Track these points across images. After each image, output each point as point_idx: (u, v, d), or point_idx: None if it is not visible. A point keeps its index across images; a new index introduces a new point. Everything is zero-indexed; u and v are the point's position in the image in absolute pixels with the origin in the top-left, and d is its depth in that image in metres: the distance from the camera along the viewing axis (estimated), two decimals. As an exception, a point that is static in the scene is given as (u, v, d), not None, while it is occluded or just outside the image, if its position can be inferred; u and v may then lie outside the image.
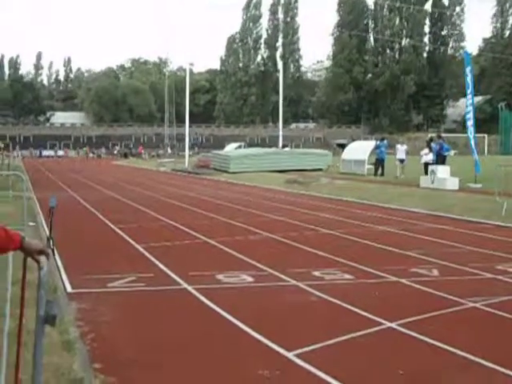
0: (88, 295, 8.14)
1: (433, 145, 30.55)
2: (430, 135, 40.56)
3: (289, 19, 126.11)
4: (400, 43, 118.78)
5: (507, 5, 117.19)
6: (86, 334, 6.42)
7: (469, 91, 28.48)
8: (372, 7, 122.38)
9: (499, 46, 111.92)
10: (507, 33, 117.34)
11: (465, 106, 29.24)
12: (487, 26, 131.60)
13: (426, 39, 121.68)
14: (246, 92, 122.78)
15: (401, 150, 35.00)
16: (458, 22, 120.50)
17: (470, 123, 28.19)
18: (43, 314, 2.86)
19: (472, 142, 28.36)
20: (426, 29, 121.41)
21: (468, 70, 28.67)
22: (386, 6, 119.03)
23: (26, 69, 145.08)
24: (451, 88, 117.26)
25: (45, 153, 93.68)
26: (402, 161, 34.27)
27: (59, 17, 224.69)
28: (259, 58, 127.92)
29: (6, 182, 22.09)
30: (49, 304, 2.89)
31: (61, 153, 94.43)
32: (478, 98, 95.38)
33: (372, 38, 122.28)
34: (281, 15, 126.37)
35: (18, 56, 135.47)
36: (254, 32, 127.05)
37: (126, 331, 6.75)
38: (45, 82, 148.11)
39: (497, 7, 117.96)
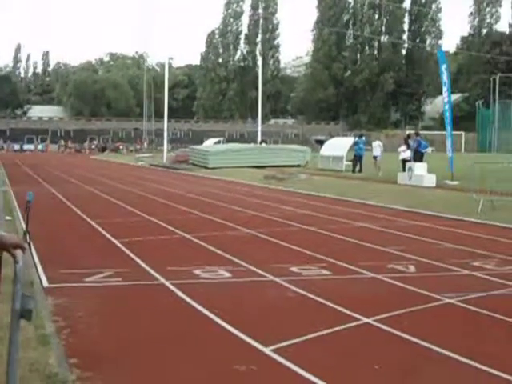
0: (65, 290, 8.09)
1: (410, 142, 30.70)
2: (407, 132, 40.74)
3: (269, 15, 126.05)
4: (379, 40, 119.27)
5: (484, 3, 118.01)
6: (62, 329, 6.39)
7: (445, 89, 28.62)
8: (352, 4, 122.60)
9: (476, 44, 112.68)
10: (484, 31, 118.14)
11: (442, 104, 29.33)
12: (465, 24, 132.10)
13: (404, 36, 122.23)
14: (225, 87, 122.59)
15: (374, 147, 35.15)
16: (435, 18, 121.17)
17: (447, 121, 28.34)
18: (19, 308, 2.84)
19: (448, 140, 28.51)
20: (405, 26, 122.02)
21: (444, 67, 28.78)
22: (365, 3, 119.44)
23: (3, 62, 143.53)
24: (429, 85, 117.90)
25: (23, 147, 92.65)
26: (375, 157, 34.36)
27: (37, 9, 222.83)
28: (239, 53, 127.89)
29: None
30: (25, 298, 2.87)
31: (31, 147, 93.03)
32: (456, 96, 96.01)
33: (352, 35, 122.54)
34: (261, 11, 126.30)
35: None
36: (235, 28, 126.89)
37: (103, 326, 6.72)
38: (22, 75, 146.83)
39: (474, 6, 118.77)
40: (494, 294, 8.05)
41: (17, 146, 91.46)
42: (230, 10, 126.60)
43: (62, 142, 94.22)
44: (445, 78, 28.62)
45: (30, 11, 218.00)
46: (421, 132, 38.69)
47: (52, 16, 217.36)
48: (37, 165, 46.39)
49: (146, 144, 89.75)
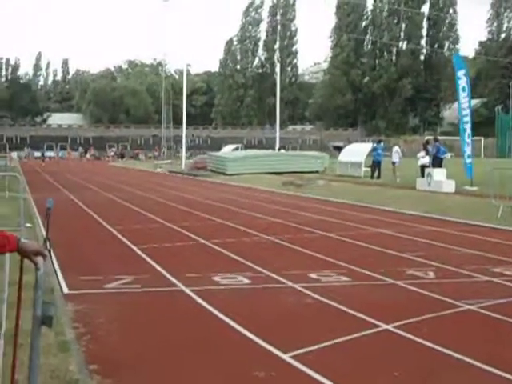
0: (84, 296, 8.14)
1: (429, 148, 30.54)
2: (426, 138, 40.52)
3: (287, 21, 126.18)
4: (397, 46, 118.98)
5: (502, 8, 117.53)
6: (82, 336, 6.43)
7: (465, 94, 28.38)
8: (371, 10, 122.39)
9: (494, 48, 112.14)
10: (502, 36, 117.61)
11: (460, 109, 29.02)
12: (483, 29, 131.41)
13: (423, 42, 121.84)
14: (243, 94, 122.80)
15: (393, 153, 35.00)
16: (453, 23, 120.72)
17: (467, 126, 28.07)
18: (40, 315, 2.87)
19: (466, 146, 28.21)
20: (423, 32, 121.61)
21: (462, 73, 28.52)
22: (384, 9, 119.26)
23: (24, 70, 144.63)
24: (447, 90, 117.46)
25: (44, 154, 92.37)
26: (393, 163, 34.17)
27: (57, 18, 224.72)
28: (257, 60, 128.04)
29: (3, 183, 22.06)
30: (45, 305, 2.89)
31: (52, 154, 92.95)
32: (475, 101, 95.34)
33: (370, 41, 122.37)
34: (279, 17, 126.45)
35: (16, 57, 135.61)
36: (253, 34, 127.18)
37: (123, 333, 6.75)
38: (41, 83, 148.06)
39: (491, 11, 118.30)
40: (514, 300, 8.00)
41: (37, 153, 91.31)
42: (248, 18, 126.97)
43: (81, 149, 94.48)
44: (463, 83, 28.40)
45: (50, 19, 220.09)
46: (439, 138, 38.40)
47: (71, 24, 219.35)
48: (57, 172, 46.68)
49: (164, 150, 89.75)
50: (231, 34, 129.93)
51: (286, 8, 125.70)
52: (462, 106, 28.39)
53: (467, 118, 28.10)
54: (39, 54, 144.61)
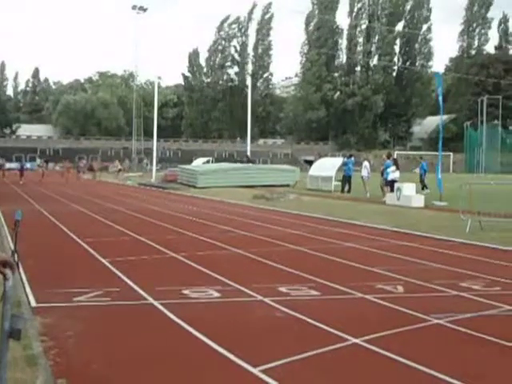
0: (53, 309, 8.05)
1: (388, 161, 30.89)
2: (387, 151, 40.75)
3: (261, 37, 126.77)
4: (368, 63, 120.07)
5: (474, 24, 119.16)
6: (49, 349, 6.35)
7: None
8: (340, 25, 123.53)
9: (464, 65, 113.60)
10: (473, 52, 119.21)
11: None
12: (454, 45, 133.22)
13: (395, 58, 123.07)
14: (213, 108, 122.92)
15: (362, 167, 35.17)
16: (425, 40, 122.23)
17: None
18: (8, 328, 2.83)
19: (439, 162, 28.49)
20: (396, 48, 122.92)
21: (439, 90, 28.93)
22: (357, 26, 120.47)
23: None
24: (417, 106, 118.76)
25: (11, 165, 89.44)
26: (362, 177, 34.31)
27: (25, 27, 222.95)
28: (227, 74, 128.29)
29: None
30: (14, 318, 2.86)
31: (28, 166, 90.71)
32: (444, 117, 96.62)
33: (342, 56, 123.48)
34: (253, 33, 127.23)
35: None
36: (225, 49, 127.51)
37: (91, 346, 6.69)
38: (9, 93, 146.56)
39: (463, 26, 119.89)
40: (482, 314, 8.07)
41: (11, 165, 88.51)
42: (222, 32, 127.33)
43: (40, 160, 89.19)
44: (440, 100, 28.81)
45: (17, 28, 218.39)
46: (409, 152, 38.73)
47: (40, 33, 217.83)
48: (24, 184, 46.25)
49: (127, 163, 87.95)
50: (201, 47, 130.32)
51: (261, 24, 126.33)
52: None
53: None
54: (3, 63, 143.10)
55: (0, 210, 21.93)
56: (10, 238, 14.18)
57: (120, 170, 53.93)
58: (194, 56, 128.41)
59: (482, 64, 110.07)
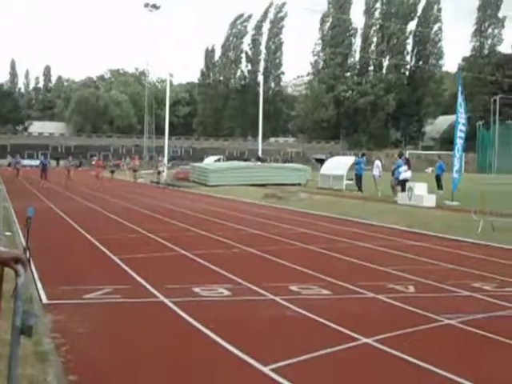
0: (64, 306, 8.07)
1: (400, 160, 30.73)
2: (399, 150, 40.56)
3: (273, 35, 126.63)
4: (381, 62, 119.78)
5: (486, 24, 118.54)
6: (60, 346, 6.36)
7: (461, 110, 28.60)
8: (355, 25, 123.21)
9: (477, 64, 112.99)
10: (486, 52, 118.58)
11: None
12: (467, 44, 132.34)
13: (408, 57, 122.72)
14: (225, 105, 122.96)
15: (374, 166, 34.89)
16: (437, 39, 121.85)
17: (459, 142, 27.90)
18: (19, 324, 2.83)
19: (456, 161, 28.04)
20: (409, 47, 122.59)
21: (460, 89, 28.90)
22: (371, 25, 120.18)
23: (3, 78, 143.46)
24: (429, 106, 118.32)
25: (30, 162, 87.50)
26: (373, 177, 34.06)
27: (37, 24, 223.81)
28: (240, 71, 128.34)
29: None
30: (25, 314, 2.85)
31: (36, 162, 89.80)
32: (455, 117, 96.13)
33: (357, 56, 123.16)
34: (266, 31, 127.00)
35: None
36: (238, 46, 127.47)
37: (102, 343, 6.70)
38: (22, 90, 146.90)
39: (476, 26, 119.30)
40: (493, 315, 8.03)
41: (25, 161, 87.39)
42: (234, 30, 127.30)
43: (42, 157, 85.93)
44: (461, 99, 28.70)
45: (30, 26, 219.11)
46: (421, 152, 38.62)
47: (53, 31, 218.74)
48: (35, 180, 46.36)
49: (137, 161, 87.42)
50: (214, 45, 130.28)
51: (274, 22, 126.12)
52: (460, 120, 28.52)
53: (462, 134, 28.14)
54: (13, 61, 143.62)
55: (12, 206, 22.00)
56: (21, 235, 14.23)
57: (135, 171, 52.68)
58: (210, 53, 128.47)
59: (497, 63, 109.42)
